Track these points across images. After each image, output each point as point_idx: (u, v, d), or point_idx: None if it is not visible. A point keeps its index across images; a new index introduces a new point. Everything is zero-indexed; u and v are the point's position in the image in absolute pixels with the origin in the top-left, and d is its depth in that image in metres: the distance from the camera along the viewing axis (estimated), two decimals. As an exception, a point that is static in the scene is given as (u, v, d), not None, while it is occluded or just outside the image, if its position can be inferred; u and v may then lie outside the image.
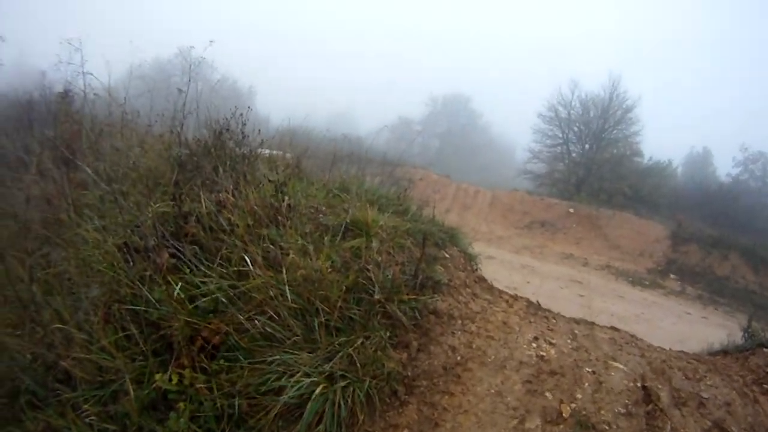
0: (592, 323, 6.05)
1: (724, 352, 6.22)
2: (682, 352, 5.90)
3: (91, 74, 8.56)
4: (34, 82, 12.05)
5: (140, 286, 4.20)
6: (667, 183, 39.60)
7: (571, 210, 31.24)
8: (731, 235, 28.80)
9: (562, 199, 34.12)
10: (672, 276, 24.82)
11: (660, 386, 4.59)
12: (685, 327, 15.30)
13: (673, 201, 37.77)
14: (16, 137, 8.71)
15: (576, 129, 41.54)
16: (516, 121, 65.41)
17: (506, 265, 19.11)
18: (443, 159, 62.04)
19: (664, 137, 53.97)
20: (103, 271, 4.51)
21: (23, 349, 4.16)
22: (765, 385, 5.17)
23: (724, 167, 46.66)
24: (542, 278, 18.30)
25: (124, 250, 4.56)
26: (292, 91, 70.75)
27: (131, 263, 4.45)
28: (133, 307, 4.14)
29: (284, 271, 4.33)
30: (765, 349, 5.93)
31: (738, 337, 6.59)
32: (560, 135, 42.13)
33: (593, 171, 38.44)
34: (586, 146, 40.87)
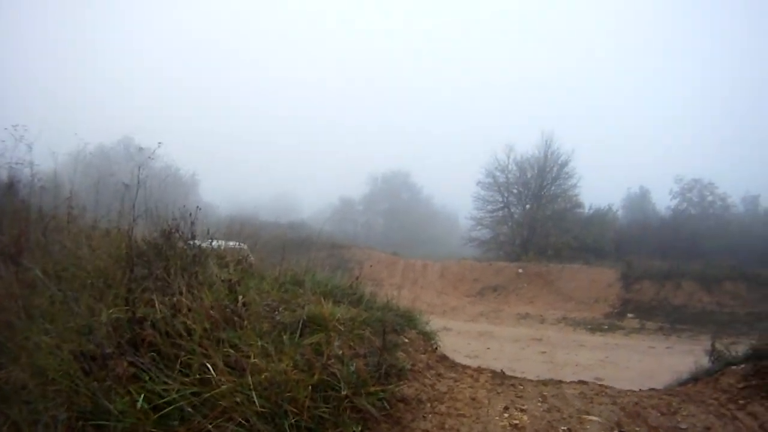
0: (560, 381, 6.18)
1: (695, 379, 6.46)
2: (653, 390, 6.15)
3: (38, 165, 8.48)
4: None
5: (101, 397, 4.13)
6: (610, 227, 41.25)
7: (521, 270, 32.27)
8: (680, 264, 29.77)
9: (510, 261, 35.66)
10: (629, 315, 25.50)
11: (637, 428, 4.69)
12: (652, 362, 15.50)
13: (620, 244, 39.18)
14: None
15: (515, 191, 43.64)
16: (456, 189, 66.62)
17: (464, 335, 19.19)
18: (389, 236, 63.24)
19: (601, 183, 55.73)
20: (60, 381, 4.43)
21: (-24, 463, 4.07)
22: (740, 401, 5.37)
23: (663, 201, 48.59)
24: (501, 342, 18.61)
25: (81, 358, 4.49)
26: (233, 176, 71.18)
27: (89, 372, 4.39)
28: (97, 421, 4.07)
29: (248, 376, 4.28)
30: (733, 367, 6.13)
31: (705, 361, 6.75)
32: (500, 199, 44.05)
33: (537, 229, 40.19)
34: (527, 206, 42.64)
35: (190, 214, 6.39)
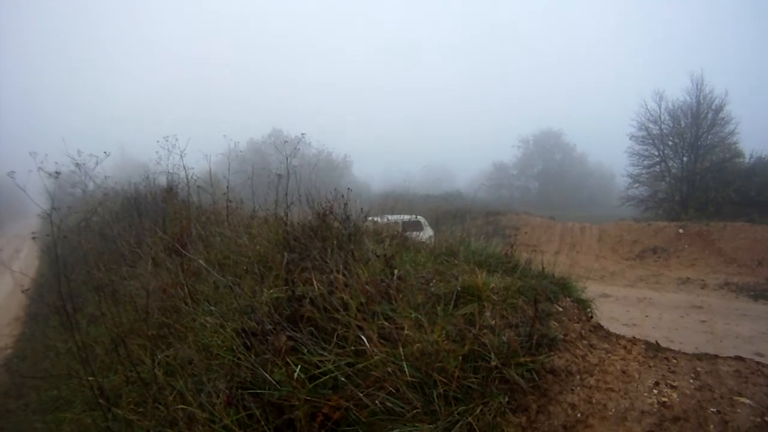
0: (716, 356, 5.76)
1: None
2: None
3: (192, 168, 9.08)
4: (137, 174, 12.84)
5: (260, 368, 4.36)
6: None
7: (681, 230, 29.93)
8: None
9: (669, 221, 32.98)
10: None
11: None
12: None
13: None
14: (128, 230, 9.21)
15: (671, 143, 39.92)
16: (611, 145, 64.92)
17: (622, 302, 18.69)
18: (545, 199, 62.21)
19: (759, 128, 51.54)
20: (222, 356, 4.70)
21: (146, 425, 4.39)
22: None
23: None
24: (661, 309, 17.62)
25: (243, 335, 4.75)
26: (385, 153, 72.59)
27: (250, 347, 4.63)
28: (255, 390, 4.30)
29: (400, 347, 4.40)
30: None
31: None
32: (656, 153, 40.58)
33: (696, 183, 36.67)
34: (685, 159, 39.02)
35: (343, 196, 6.61)
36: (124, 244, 8.41)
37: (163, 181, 10.39)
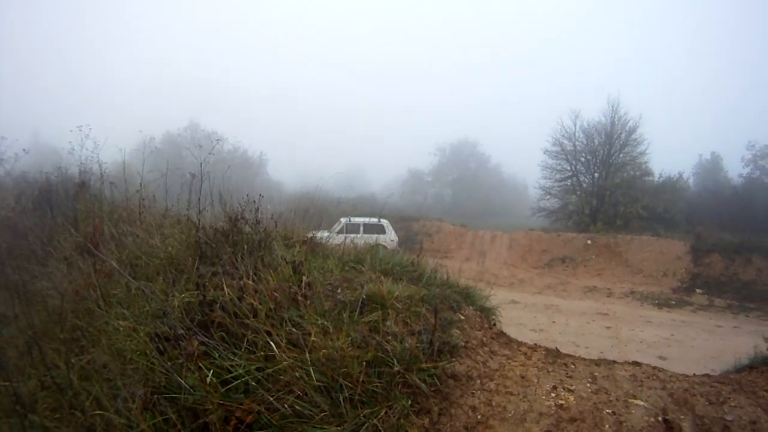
0: (613, 362, 6.10)
1: (750, 367, 6.17)
2: (706, 375, 5.96)
3: (105, 162, 8.94)
4: (50, 161, 12.45)
5: (174, 373, 4.45)
6: (681, 196, 39.40)
7: (589, 242, 31.46)
8: (752, 237, 28.55)
9: (578, 232, 34.62)
10: (698, 291, 24.79)
11: (682, 417, 4.63)
12: (718, 341, 15.26)
13: (690, 214, 37.56)
14: (38, 225, 9.02)
15: (583, 159, 41.79)
16: (525, 157, 66.44)
17: (530, 308, 19.32)
18: (458, 207, 63.13)
19: (672, 151, 54.33)
20: (137, 360, 4.76)
21: (64, 432, 4.40)
22: (795, 397, 5.11)
23: (736, 169, 46.94)
24: (567, 316, 18.34)
25: (156, 339, 4.82)
26: (301, 152, 72.35)
27: (163, 352, 4.71)
28: (170, 395, 4.38)
29: (307, 353, 4.54)
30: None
31: (765, 348, 6.46)
32: (569, 168, 42.39)
33: (606, 198, 38.49)
34: (596, 175, 41.01)
35: (254, 201, 6.67)
36: (35, 241, 8.26)
37: (75, 172, 10.16)
